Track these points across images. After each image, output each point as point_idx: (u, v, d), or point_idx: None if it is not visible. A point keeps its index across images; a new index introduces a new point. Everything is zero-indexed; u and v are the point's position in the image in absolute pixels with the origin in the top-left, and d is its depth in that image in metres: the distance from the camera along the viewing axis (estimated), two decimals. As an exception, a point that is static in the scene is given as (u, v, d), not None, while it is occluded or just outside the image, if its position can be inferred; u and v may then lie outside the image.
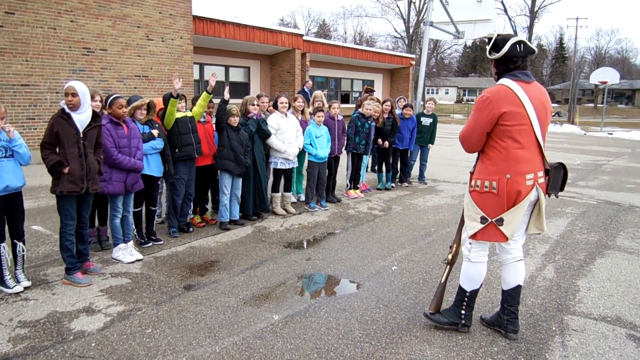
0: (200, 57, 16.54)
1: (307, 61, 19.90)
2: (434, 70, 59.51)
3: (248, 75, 19.59)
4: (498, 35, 3.23)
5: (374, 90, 11.65)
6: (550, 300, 4.03)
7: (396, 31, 55.10)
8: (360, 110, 7.74)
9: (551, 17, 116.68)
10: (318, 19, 77.48)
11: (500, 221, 3.08)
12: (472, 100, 71.61)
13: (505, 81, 3.10)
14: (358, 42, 69.36)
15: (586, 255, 5.23)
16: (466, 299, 3.37)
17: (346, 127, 7.59)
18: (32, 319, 3.58)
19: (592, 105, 62.01)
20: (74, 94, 3.93)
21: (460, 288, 3.42)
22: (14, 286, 4.02)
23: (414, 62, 27.99)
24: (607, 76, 29.87)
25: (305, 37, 19.65)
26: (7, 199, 3.91)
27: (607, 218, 6.95)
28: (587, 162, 13.57)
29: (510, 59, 3.13)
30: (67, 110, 3.93)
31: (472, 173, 3.30)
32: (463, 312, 3.39)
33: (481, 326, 3.54)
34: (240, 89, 18.44)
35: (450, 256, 3.56)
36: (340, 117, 7.43)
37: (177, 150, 5.36)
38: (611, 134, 26.97)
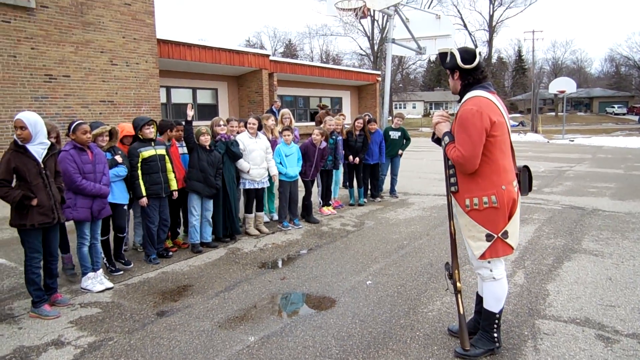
0: (167, 80, 16.45)
1: (275, 81, 20.01)
2: (401, 85, 60.68)
3: (216, 96, 19.56)
4: (457, 48, 3.28)
5: (327, 106, 11.99)
6: (522, 306, 4.12)
7: (361, 49, 56.07)
8: (322, 126, 7.80)
9: (509, 30, 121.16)
10: (284, 38, 78.10)
11: (505, 234, 3.07)
12: (439, 114, 72.83)
13: (480, 92, 3.10)
14: (325, 60, 70.23)
15: (554, 260, 5.37)
16: (496, 320, 3.24)
17: (327, 154, 7.55)
18: (-3, 356, 3.44)
19: (553, 113, 64.22)
20: (23, 127, 3.83)
21: (487, 312, 3.25)
22: (-23, 323, 3.86)
23: (380, 79, 28.49)
24: (565, 85, 31.07)
25: (271, 57, 19.81)
26: (-32, 232, 3.78)
27: (572, 222, 7.17)
28: (551, 169, 14.00)
29: (478, 69, 3.16)
30: (20, 143, 3.85)
31: (454, 193, 3.20)
32: (495, 334, 3.26)
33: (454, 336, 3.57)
34: (209, 111, 18.39)
35: (459, 284, 3.33)
36: (322, 145, 7.35)
37: (145, 187, 5.30)
38: (572, 140, 27.95)
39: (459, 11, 55.15)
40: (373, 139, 8.66)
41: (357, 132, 8.29)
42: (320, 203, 8.06)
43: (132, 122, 5.40)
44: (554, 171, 13.57)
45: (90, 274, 4.71)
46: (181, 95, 17.93)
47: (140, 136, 5.35)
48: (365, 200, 8.85)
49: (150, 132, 5.38)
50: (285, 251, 5.94)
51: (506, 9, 50.65)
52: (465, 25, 54.76)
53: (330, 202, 8.12)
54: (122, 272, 5.16)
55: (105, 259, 5.15)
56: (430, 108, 78.43)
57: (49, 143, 4.03)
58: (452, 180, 3.22)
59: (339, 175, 8.45)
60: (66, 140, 4.81)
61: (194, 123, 5.84)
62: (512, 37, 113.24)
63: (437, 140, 3.41)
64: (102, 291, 4.64)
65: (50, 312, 4.09)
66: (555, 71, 69.21)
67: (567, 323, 3.77)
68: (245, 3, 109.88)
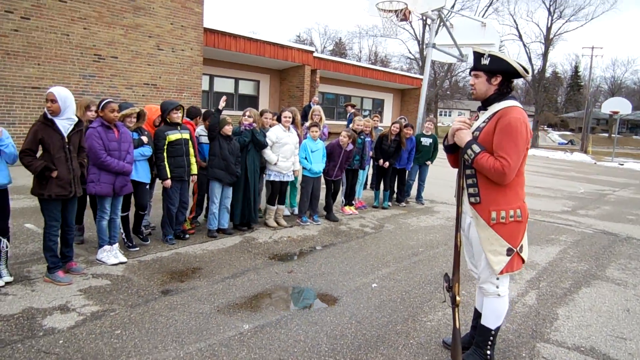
0: (210, 68, 16.81)
1: (317, 77, 20.10)
2: (448, 92, 59.59)
3: (257, 88, 19.82)
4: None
5: (354, 105, 12.00)
6: (526, 327, 3.99)
7: (410, 52, 55.38)
8: (351, 126, 7.78)
9: (566, 45, 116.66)
10: (334, 37, 78.21)
11: (521, 248, 3.02)
12: (485, 125, 71.14)
13: (516, 103, 2.99)
14: (373, 61, 69.88)
15: (571, 284, 5.17)
16: (491, 337, 3.17)
17: (352, 156, 7.51)
18: (7, 313, 3.63)
19: (606, 134, 61.59)
20: (53, 100, 4.02)
21: (483, 328, 3.18)
22: (-5, 281, 4.09)
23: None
24: (619, 106, 29.74)
25: (315, 54, 19.88)
26: (-7, 196, 4.00)
27: (601, 248, 6.87)
28: (591, 191, 13.45)
29: (511, 79, 3.06)
30: (49, 116, 4.03)
31: (475, 204, 3.01)
32: (488, 352, 3.18)
33: (448, 349, 3.50)
34: (250, 102, 18.66)
35: (458, 298, 3.18)
36: (349, 147, 7.32)
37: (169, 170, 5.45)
38: (622, 164, 26.71)
39: (515, 21, 53.74)
40: (405, 144, 8.56)
41: (393, 137, 8.20)
42: (342, 202, 8.05)
43: (161, 106, 5.55)
44: (594, 194, 13.04)
45: (107, 247, 4.89)
46: (224, 84, 18.29)
47: (167, 119, 5.49)
48: (389, 204, 8.77)
49: (178, 116, 5.52)
50: (298, 246, 5.98)
51: (565, 22, 48.57)
52: (520, 36, 53.18)
53: (353, 202, 8.10)
54: (138, 249, 5.33)
55: (123, 235, 5.34)
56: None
57: (76, 119, 4.21)
58: (472, 190, 3.03)
59: (363, 175, 8.41)
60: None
61: (234, 113, 5.97)
62: (569, 52, 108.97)
63: (450, 147, 3.28)
64: (116, 264, 4.81)
65: (63, 278, 4.28)
66: (613, 90, 66.35)
67: (570, 350, 3.63)
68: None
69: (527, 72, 2.97)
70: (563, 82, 74.77)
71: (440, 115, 64.22)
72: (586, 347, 3.69)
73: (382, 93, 27.42)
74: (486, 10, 46.10)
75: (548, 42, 56.10)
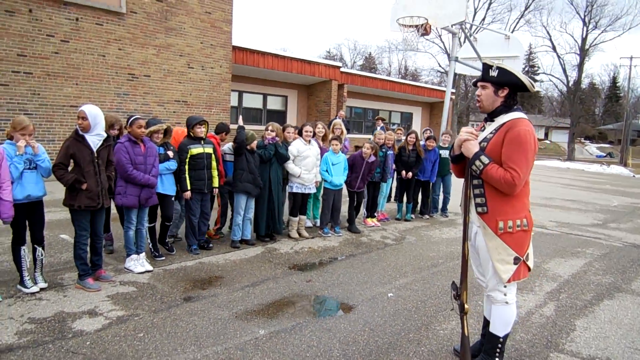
0: (239, 84, 17.27)
1: (345, 92, 20.33)
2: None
3: (285, 103, 20.19)
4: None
5: (383, 119, 12.23)
6: (541, 337, 3.98)
7: (440, 66, 55.10)
8: (372, 139, 7.90)
9: (604, 55, 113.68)
10: (364, 52, 78.67)
11: (527, 256, 3.07)
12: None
13: (523, 115, 3.06)
14: (403, 75, 69.81)
15: (593, 296, 5.10)
16: (499, 345, 3.21)
17: (374, 168, 7.60)
18: (41, 317, 3.88)
19: (647, 147, 59.39)
20: (84, 118, 4.34)
21: (492, 336, 3.22)
22: (31, 287, 4.37)
23: (453, 97, 27.95)
24: (658, 117, 28.70)
25: (342, 69, 20.13)
26: (29, 207, 4.30)
27: (629, 261, 6.71)
28: (625, 205, 13.07)
29: (518, 92, 3.13)
30: (80, 132, 4.33)
31: (482, 214, 3.07)
32: (497, 359, 3.23)
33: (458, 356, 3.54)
34: (277, 117, 19.01)
35: (467, 306, 3.25)
36: (371, 159, 7.42)
37: (190, 182, 5.69)
38: (662, 177, 25.74)
39: (548, 32, 52.62)
40: (428, 156, 8.61)
41: (410, 148, 8.30)
42: (365, 214, 8.13)
43: (186, 121, 5.82)
44: (629, 207, 12.66)
45: (134, 256, 5.13)
46: (252, 100, 18.74)
47: (191, 134, 5.75)
48: (412, 216, 8.80)
49: (202, 131, 5.77)
50: (319, 256, 6.09)
51: (601, 32, 47.46)
52: (554, 48, 52.28)
53: (375, 214, 8.17)
54: (164, 258, 5.56)
55: (150, 245, 5.58)
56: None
57: (105, 135, 4.50)
58: (480, 200, 3.09)
59: (386, 188, 8.48)
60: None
61: (262, 128, 6.24)
62: (607, 62, 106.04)
63: (456, 158, 3.36)
64: (142, 272, 5.05)
65: (93, 285, 4.53)
66: (654, 102, 64.06)
67: (585, 360, 3.60)
68: (328, 15, 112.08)
69: (533, 86, 3.05)
70: (601, 94, 72.80)
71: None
72: (602, 358, 3.65)
73: (411, 106, 27.42)
74: (517, 22, 45.63)
75: (583, 53, 54.84)
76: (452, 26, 9.17)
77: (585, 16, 46.17)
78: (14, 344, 3.42)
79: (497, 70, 3.12)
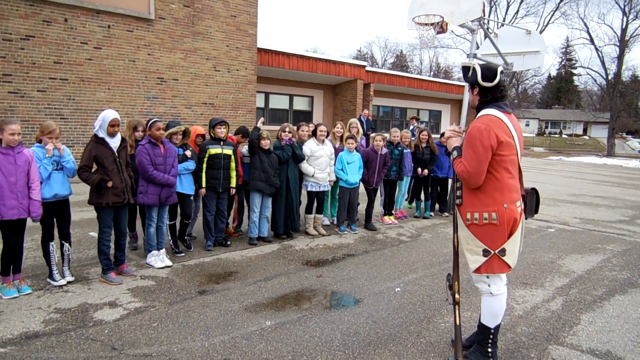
0: (265, 86, 17.61)
1: (371, 91, 20.39)
2: (515, 101, 57.63)
3: (311, 104, 20.42)
4: (481, 64, 3.34)
5: (418, 118, 12.26)
6: (543, 330, 4.03)
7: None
8: (387, 138, 8.00)
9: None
10: (395, 49, 78.23)
11: (503, 251, 3.14)
12: (555, 134, 68.48)
13: (492, 111, 3.18)
14: (435, 72, 69.03)
15: (605, 292, 5.07)
16: (491, 335, 3.29)
17: (388, 161, 7.74)
18: (66, 307, 4.20)
19: (694, 140, 56.72)
20: (119, 125, 4.72)
21: (482, 327, 3.32)
22: (59, 280, 4.71)
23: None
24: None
25: (368, 68, 20.20)
26: (56, 205, 4.64)
27: (650, 257, 6.59)
28: (659, 201, 12.66)
29: (498, 88, 3.23)
30: (100, 135, 4.65)
31: (459, 205, 3.30)
32: (489, 349, 3.30)
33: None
34: (304, 117, 19.25)
35: (457, 296, 3.43)
36: (384, 151, 7.56)
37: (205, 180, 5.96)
38: None
39: (585, 24, 50.92)
40: (443, 152, 8.64)
41: (424, 145, 8.37)
42: (382, 212, 8.24)
43: (209, 122, 6.09)
44: (662, 203, 12.26)
45: (154, 252, 5.43)
46: (279, 101, 19.06)
47: (212, 134, 6.02)
48: (431, 213, 8.85)
49: (222, 131, 6.04)
50: (333, 253, 6.26)
51: (643, 21, 45.65)
52: (591, 40, 50.60)
53: (392, 211, 8.27)
54: (183, 254, 5.84)
55: (171, 241, 5.88)
56: (546, 127, 73.33)
57: (121, 137, 4.80)
58: (458, 193, 3.31)
59: (404, 186, 8.56)
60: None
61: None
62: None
63: (449, 154, 3.51)
64: (162, 268, 5.33)
65: (115, 279, 4.84)
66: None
67: (583, 353, 3.64)
68: (359, 14, 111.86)
69: (491, 75, 3.15)
70: (645, 85, 69.97)
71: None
72: (601, 351, 3.68)
73: (439, 104, 27.20)
74: (552, 14, 44.40)
75: (623, 44, 52.80)
76: (471, 22, 9.15)
77: (625, 6, 44.46)
78: (40, 331, 3.74)
79: (470, 71, 3.27)
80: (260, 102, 17.27)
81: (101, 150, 4.66)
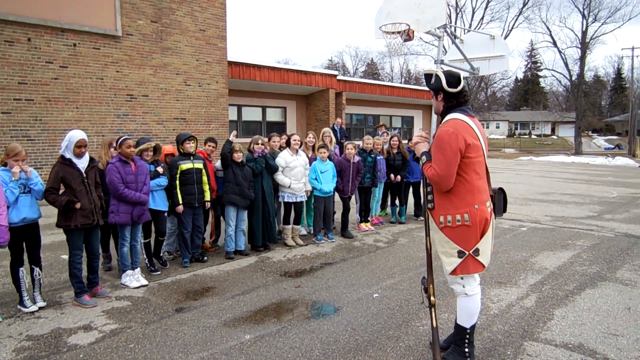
0: (237, 99, 17.57)
1: (344, 99, 20.55)
2: (485, 104, 58.84)
3: (285, 114, 20.46)
4: (443, 70, 3.44)
5: (385, 125, 12.56)
6: (518, 327, 4.11)
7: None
8: (360, 145, 8.09)
9: (607, 47, 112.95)
10: (365, 58, 79.19)
11: (477, 251, 3.20)
12: (525, 134, 70.26)
13: (458, 115, 3.27)
14: (406, 79, 69.97)
15: (576, 286, 5.21)
16: (467, 335, 3.34)
17: (361, 168, 7.79)
18: (38, 334, 4.09)
19: (656, 136, 58.76)
20: (86, 146, 4.63)
21: (459, 327, 3.37)
22: (30, 306, 4.58)
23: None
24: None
25: (339, 77, 20.37)
26: (25, 229, 4.53)
27: (617, 250, 6.80)
28: (624, 195, 13.09)
29: (461, 93, 3.33)
30: (67, 156, 4.58)
31: (431, 209, 3.35)
32: (467, 349, 3.35)
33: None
34: (277, 128, 19.25)
35: (433, 298, 3.46)
36: (356, 159, 7.64)
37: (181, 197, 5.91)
38: (668, 165, 25.57)
39: (548, 28, 52.42)
40: (408, 154, 8.75)
41: (395, 151, 8.48)
42: (358, 219, 8.29)
43: (176, 137, 6.05)
44: (627, 197, 12.68)
45: (129, 272, 5.34)
46: (251, 113, 19.03)
47: (181, 150, 5.98)
48: (415, 218, 8.95)
49: (191, 146, 6.00)
50: (311, 262, 6.26)
51: (601, 24, 47.26)
52: (554, 43, 52.17)
53: (369, 218, 8.33)
54: (159, 272, 5.76)
55: (146, 260, 5.79)
56: (515, 128, 75.20)
57: (89, 157, 4.73)
58: (430, 197, 3.37)
59: (378, 193, 8.63)
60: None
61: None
62: (612, 54, 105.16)
63: (418, 160, 3.58)
64: (138, 287, 5.25)
65: (89, 301, 4.73)
66: (659, 90, 63.52)
67: (557, 347, 3.73)
68: (329, 24, 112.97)
69: (454, 82, 3.25)
70: (606, 86, 72.34)
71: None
72: (574, 344, 3.78)
73: (411, 110, 27.56)
74: (516, 19, 45.63)
75: (584, 46, 54.55)
76: (436, 29, 9.34)
77: (584, 9, 46.04)
78: None
79: (433, 78, 3.36)
80: (232, 115, 17.22)
81: (68, 171, 4.58)
